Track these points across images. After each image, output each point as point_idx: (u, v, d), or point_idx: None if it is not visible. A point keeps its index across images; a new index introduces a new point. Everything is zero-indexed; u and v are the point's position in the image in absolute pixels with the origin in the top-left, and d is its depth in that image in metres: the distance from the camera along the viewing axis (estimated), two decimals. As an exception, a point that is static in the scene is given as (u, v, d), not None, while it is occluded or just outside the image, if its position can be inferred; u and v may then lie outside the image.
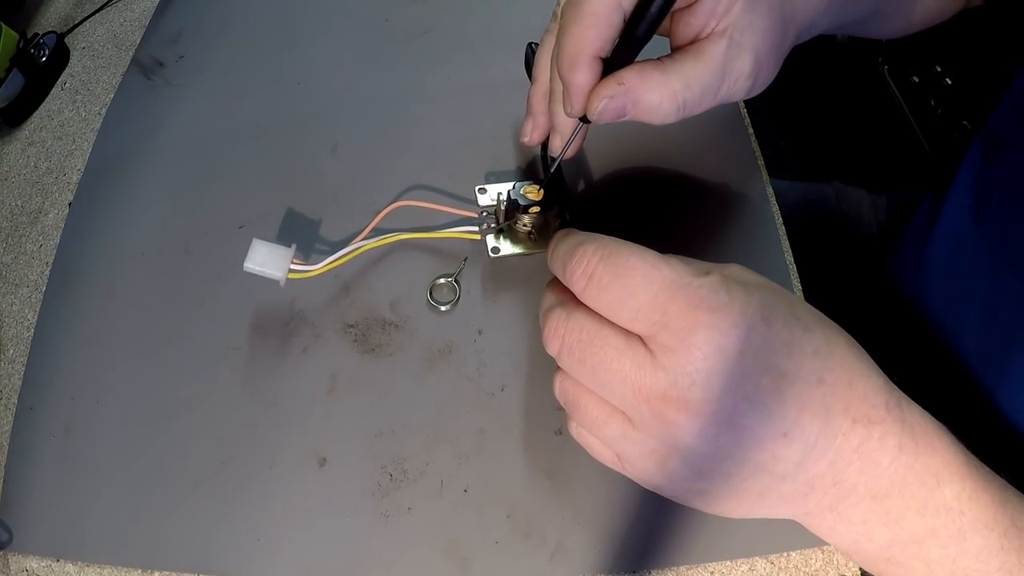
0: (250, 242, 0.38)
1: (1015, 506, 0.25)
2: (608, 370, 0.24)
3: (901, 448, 0.24)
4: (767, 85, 0.33)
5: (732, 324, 0.23)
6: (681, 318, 0.23)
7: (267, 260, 0.36)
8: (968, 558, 0.24)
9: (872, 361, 0.25)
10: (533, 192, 0.38)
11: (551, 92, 0.34)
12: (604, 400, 0.25)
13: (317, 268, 0.37)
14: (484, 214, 0.39)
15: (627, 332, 0.24)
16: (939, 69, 0.87)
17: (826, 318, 0.25)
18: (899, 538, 0.24)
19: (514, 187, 0.39)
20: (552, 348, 0.26)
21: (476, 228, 0.39)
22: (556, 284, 0.28)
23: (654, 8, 0.27)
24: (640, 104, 0.30)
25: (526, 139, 0.37)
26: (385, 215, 0.39)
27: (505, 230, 0.39)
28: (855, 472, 0.23)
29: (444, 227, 0.41)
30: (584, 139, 0.36)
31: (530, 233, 0.38)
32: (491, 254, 0.39)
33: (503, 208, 0.38)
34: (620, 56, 0.29)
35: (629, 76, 0.29)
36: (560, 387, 0.27)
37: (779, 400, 0.23)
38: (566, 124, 0.34)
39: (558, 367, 0.27)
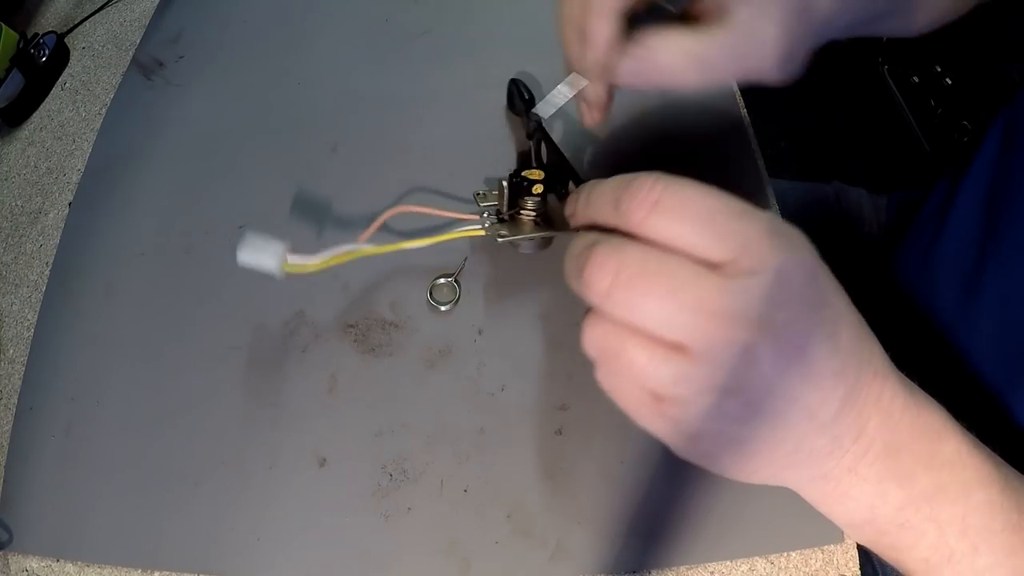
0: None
1: (1005, 467, 0.26)
2: (681, 298, 0.22)
3: (906, 404, 0.24)
4: (797, 70, 0.32)
5: (805, 253, 0.23)
6: (761, 242, 0.22)
7: (262, 252, 0.35)
8: (976, 515, 0.25)
9: None
10: (534, 175, 0.37)
11: (569, 48, 0.33)
12: (658, 339, 0.23)
13: (315, 261, 0.36)
14: (486, 214, 0.38)
15: (698, 259, 0.23)
16: (939, 69, 0.87)
17: None
18: (912, 497, 0.25)
19: (514, 172, 0.38)
20: (599, 285, 0.23)
21: (479, 226, 0.38)
22: (587, 232, 0.26)
23: None
24: (660, 65, 0.29)
25: (591, 122, 0.35)
26: (385, 219, 0.38)
27: (508, 219, 0.37)
28: (875, 426, 0.24)
29: (445, 228, 0.40)
30: (606, 110, 0.35)
31: (535, 220, 0.37)
32: (497, 239, 0.37)
33: (506, 194, 0.37)
34: (644, 22, 0.30)
35: (649, 36, 0.29)
36: (594, 333, 0.24)
37: (837, 335, 0.23)
38: (593, 85, 0.33)
39: (589, 315, 0.25)
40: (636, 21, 0.31)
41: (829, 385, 0.23)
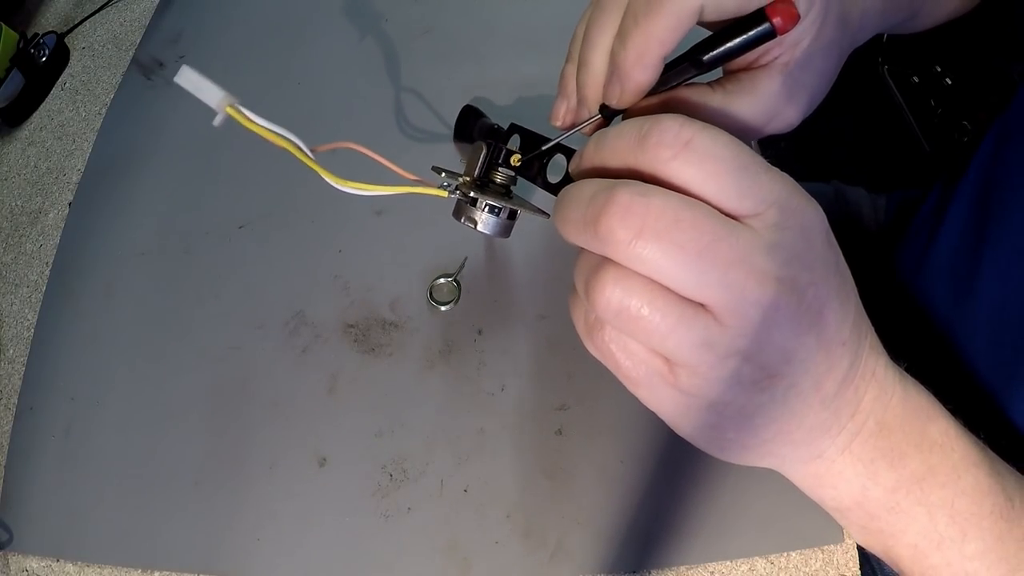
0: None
1: (990, 452, 0.26)
2: (716, 253, 0.20)
3: (897, 381, 0.25)
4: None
5: (823, 215, 0.23)
6: (790, 198, 0.22)
7: (203, 83, 0.30)
8: (964, 500, 0.25)
9: None
10: (515, 155, 0.33)
11: (586, 75, 0.30)
12: (681, 299, 0.21)
13: (260, 123, 0.31)
14: (447, 183, 0.33)
15: (726, 211, 0.21)
16: (939, 69, 0.87)
17: None
18: (902, 478, 0.25)
19: (493, 140, 0.34)
20: (622, 234, 0.20)
21: (444, 185, 0.33)
22: (593, 178, 0.23)
23: (733, 44, 0.25)
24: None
25: (559, 122, 0.33)
26: (343, 146, 0.34)
27: (476, 186, 0.33)
28: (870, 400, 0.24)
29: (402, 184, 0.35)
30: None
31: (503, 193, 0.33)
32: (458, 194, 0.33)
33: (483, 157, 0.33)
34: (671, 70, 0.27)
35: (689, 98, 0.28)
36: (613, 291, 0.21)
37: (847, 304, 0.23)
38: (592, 112, 0.30)
39: (604, 268, 0.22)
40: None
41: (838, 354, 0.23)
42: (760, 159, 0.22)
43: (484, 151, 0.32)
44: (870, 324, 0.25)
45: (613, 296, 0.21)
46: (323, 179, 0.34)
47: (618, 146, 0.23)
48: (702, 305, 0.21)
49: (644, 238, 0.20)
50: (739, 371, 0.22)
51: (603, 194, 0.21)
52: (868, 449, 0.25)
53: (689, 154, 0.21)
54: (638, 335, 0.22)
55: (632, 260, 0.21)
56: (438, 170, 0.34)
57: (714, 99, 0.28)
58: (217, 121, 0.30)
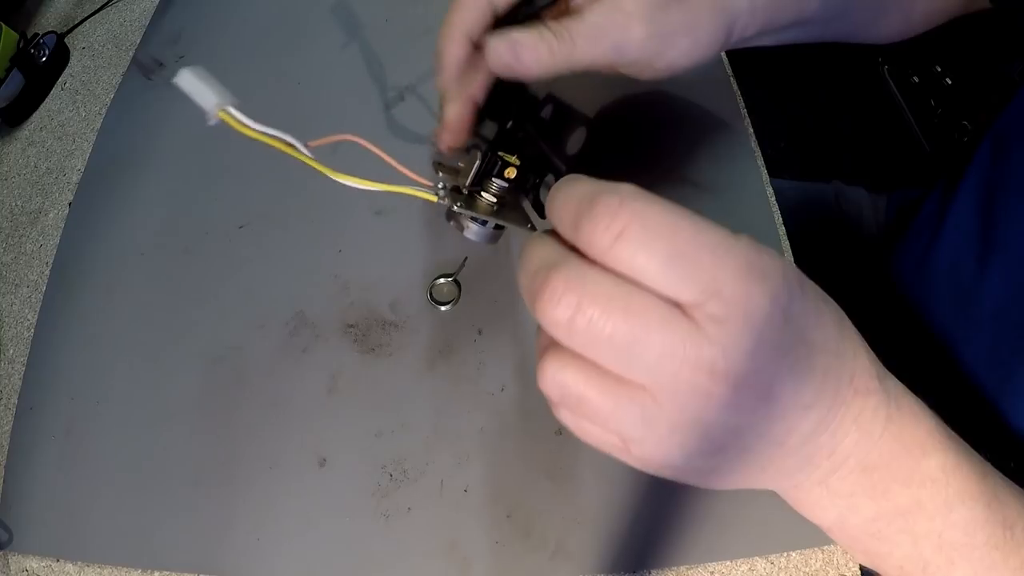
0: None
1: (994, 479, 0.25)
2: (647, 343, 0.21)
3: (889, 419, 0.24)
4: (695, 61, 0.33)
5: (780, 292, 0.22)
6: (733, 285, 0.21)
7: (207, 86, 0.31)
8: (955, 531, 0.24)
9: (859, 334, 0.25)
10: (511, 158, 0.33)
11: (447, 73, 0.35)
12: (621, 381, 0.22)
13: (252, 126, 0.32)
14: (442, 184, 0.33)
15: (664, 298, 0.21)
16: (939, 69, 0.87)
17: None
18: (884, 511, 0.24)
19: (490, 147, 0.34)
20: (560, 314, 0.21)
21: (432, 191, 0.33)
22: (549, 238, 0.23)
23: None
24: (521, 54, 0.31)
25: (444, 145, 0.35)
26: (339, 139, 0.34)
27: (467, 195, 0.33)
28: (851, 444, 0.23)
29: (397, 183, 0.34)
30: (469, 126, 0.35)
31: (494, 205, 0.33)
32: (454, 207, 0.33)
33: (476, 167, 0.33)
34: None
35: (511, 29, 0.31)
36: (554, 378, 0.22)
37: (810, 370, 0.22)
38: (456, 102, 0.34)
39: (547, 353, 0.23)
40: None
41: (798, 417, 0.23)
42: (708, 235, 0.21)
43: (478, 161, 0.32)
44: (861, 361, 0.24)
45: (555, 380, 0.22)
46: (321, 176, 0.35)
47: (560, 222, 0.23)
48: (644, 386, 0.22)
49: (577, 324, 0.21)
50: (685, 443, 0.22)
51: (543, 273, 0.22)
52: (847, 484, 0.24)
53: (622, 246, 0.21)
54: (585, 415, 0.23)
55: (569, 342, 0.21)
56: (438, 167, 0.34)
57: (543, 27, 0.30)
58: (210, 122, 0.31)
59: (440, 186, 0.32)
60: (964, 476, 0.25)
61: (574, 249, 0.22)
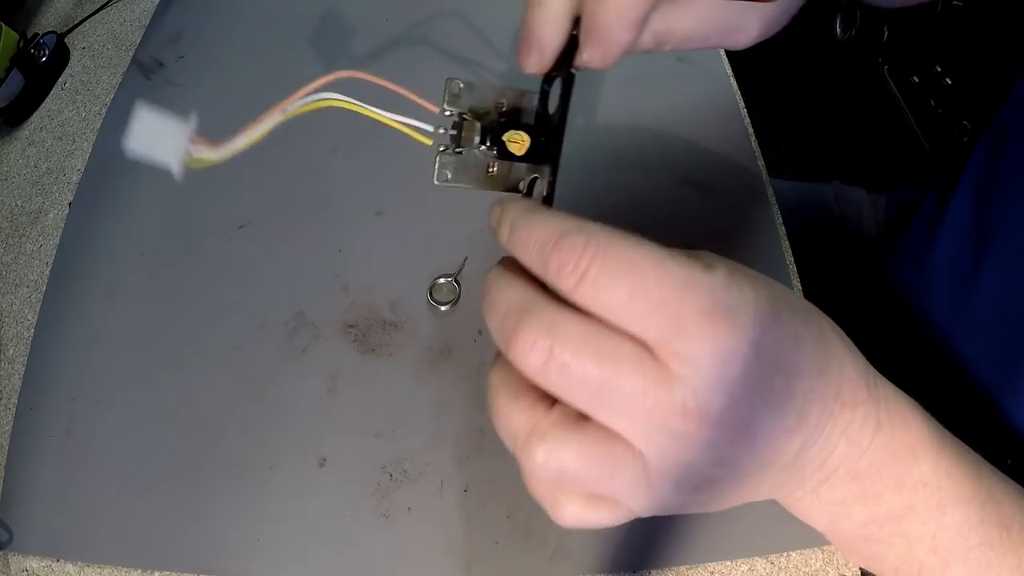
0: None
1: (990, 480, 0.25)
2: (617, 387, 0.21)
3: (879, 427, 0.24)
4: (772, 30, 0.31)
5: (750, 326, 0.21)
6: (698, 323, 0.21)
7: (159, 139, 0.27)
8: (948, 533, 0.24)
9: (851, 342, 0.25)
10: (517, 137, 0.30)
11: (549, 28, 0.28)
12: (598, 442, 0.22)
13: (226, 150, 0.28)
14: (442, 128, 0.30)
15: (632, 338, 0.21)
16: (939, 69, 0.87)
17: (809, 303, 0.25)
18: (876, 516, 0.24)
19: (500, 117, 0.31)
20: (533, 360, 0.21)
21: (430, 130, 0.30)
22: (515, 278, 0.23)
23: None
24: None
25: (531, 68, 0.30)
26: (326, 82, 0.30)
27: (463, 151, 0.30)
28: (840, 455, 0.23)
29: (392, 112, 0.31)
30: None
31: (489, 167, 0.30)
32: (435, 180, 0.30)
33: (477, 134, 0.30)
34: None
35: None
36: (545, 460, 0.22)
37: (790, 397, 0.22)
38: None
39: (532, 442, 0.23)
40: None
41: (784, 440, 0.23)
42: (675, 274, 0.21)
43: (478, 128, 0.29)
44: (848, 372, 0.24)
45: (542, 460, 0.23)
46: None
47: (526, 257, 0.23)
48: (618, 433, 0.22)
49: (549, 371, 0.21)
50: (676, 486, 0.23)
51: (514, 317, 0.22)
52: (838, 492, 0.24)
53: (585, 288, 0.21)
54: (574, 490, 0.24)
55: (545, 386, 0.22)
56: (448, 87, 0.30)
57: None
58: (177, 175, 0.27)
59: (440, 133, 0.30)
60: (958, 478, 0.24)
61: (540, 282, 0.22)
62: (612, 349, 0.21)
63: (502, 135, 0.29)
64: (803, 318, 0.23)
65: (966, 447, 0.26)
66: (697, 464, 0.22)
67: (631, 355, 0.21)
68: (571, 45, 0.29)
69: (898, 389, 0.25)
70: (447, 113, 0.30)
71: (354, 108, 0.30)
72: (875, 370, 0.25)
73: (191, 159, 0.27)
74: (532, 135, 0.30)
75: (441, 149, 0.30)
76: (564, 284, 0.21)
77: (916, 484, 0.24)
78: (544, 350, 0.21)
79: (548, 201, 0.29)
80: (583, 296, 0.21)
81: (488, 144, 0.29)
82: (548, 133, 0.30)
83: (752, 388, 0.22)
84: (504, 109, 0.30)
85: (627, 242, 0.21)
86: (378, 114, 0.29)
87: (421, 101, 0.29)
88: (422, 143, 0.30)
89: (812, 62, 1.24)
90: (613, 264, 0.21)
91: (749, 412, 0.22)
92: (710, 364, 0.21)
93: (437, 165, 0.30)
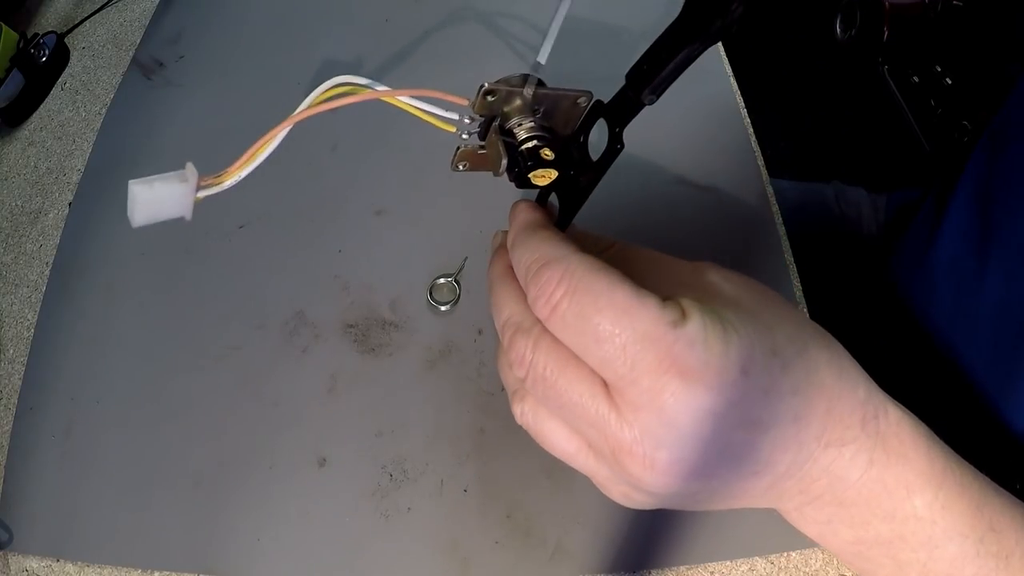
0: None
1: (994, 509, 0.25)
2: (575, 410, 0.23)
3: (872, 462, 0.23)
4: None
5: (707, 387, 0.21)
6: (651, 377, 0.21)
7: (163, 202, 0.27)
8: (941, 564, 0.24)
9: (855, 367, 0.24)
10: (545, 174, 0.29)
11: None
12: (573, 432, 0.24)
13: (229, 175, 0.28)
14: (470, 118, 0.30)
15: (594, 373, 0.22)
16: (939, 69, 0.87)
17: (807, 331, 0.24)
18: (863, 538, 0.24)
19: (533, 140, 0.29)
20: (518, 372, 0.24)
21: (455, 118, 0.30)
22: (518, 294, 0.25)
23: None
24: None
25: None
26: (324, 93, 0.29)
27: (485, 142, 0.30)
28: (822, 486, 0.23)
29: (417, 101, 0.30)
30: None
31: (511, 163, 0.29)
32: (452, 167, 0.30)
33: (503, 151, 0.29)
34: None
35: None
36: (524, 417, 0.25)
37: (752, 448, 0.22)
38: None
39: (517, 390, 0.25)
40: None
41: (749, 482, 0.23)
42: (642, 322, 0.21)
43: (501, 146, 0.29)
44: (837, 407, 0.23)
45: (519, 415, 0.26)
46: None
47: (518, 270, 0.25)
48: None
49: (530, 381, 0.24)
50: (634, 498, 0.24)
51: (509, 331, 0.24)
52: (824, 514, 0.24)
53: (555, 321, 0.22)
54: (556, 454, 0.25)
55: (530, 390, 0.24)
56: (483, 89, 0.30)
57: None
58: (188, 217, 0.27)
59: (465, 122, 0.30)
60: (956, 512, 0.24)
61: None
62: (573, 380, 0.23)
63: (528, 173, 0.28)
64: (783, 365, 0.22)
65: (974, 473, 0.25)
66: (655, 493, 0.23)
67: (588, 389, 0.22)
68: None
69: (910, 416, 0.25)
70: (469, 120, 0.30)
71: (380, 97, 0.30)
72: (882, 398, 0.24)
73: (199, 199, 0.28)
74: (559, 166, 0.28)
75: (464, 138, 0.30)
76: (539, 313, 0.23)
77: (907, 517, 0.24)
78: (524, 367, 0.23)
79: (563, 223, 0.29)
80: (553, 328, 0.23)
81: (513, 180, 0.29)
82: (578, 173, 0.29)
83: (705, 444, 0.22)
84: (537, 115, 0.30)
85: (601, 282, 0.22)
86: (402, 102, 0.30)
87: (451, 97, 0.30)
88: (445, 130, 0.30)
89: (812, 62, 1.24)
90: (580, 305, 0.22)
91: (702, 464, 0.22)
92: (657, 423, 0.21)
93: (457, 156, 0.31)
